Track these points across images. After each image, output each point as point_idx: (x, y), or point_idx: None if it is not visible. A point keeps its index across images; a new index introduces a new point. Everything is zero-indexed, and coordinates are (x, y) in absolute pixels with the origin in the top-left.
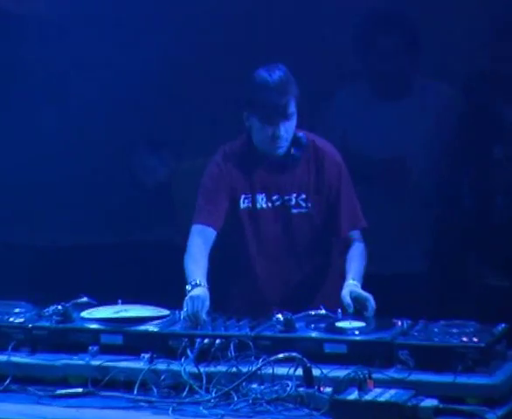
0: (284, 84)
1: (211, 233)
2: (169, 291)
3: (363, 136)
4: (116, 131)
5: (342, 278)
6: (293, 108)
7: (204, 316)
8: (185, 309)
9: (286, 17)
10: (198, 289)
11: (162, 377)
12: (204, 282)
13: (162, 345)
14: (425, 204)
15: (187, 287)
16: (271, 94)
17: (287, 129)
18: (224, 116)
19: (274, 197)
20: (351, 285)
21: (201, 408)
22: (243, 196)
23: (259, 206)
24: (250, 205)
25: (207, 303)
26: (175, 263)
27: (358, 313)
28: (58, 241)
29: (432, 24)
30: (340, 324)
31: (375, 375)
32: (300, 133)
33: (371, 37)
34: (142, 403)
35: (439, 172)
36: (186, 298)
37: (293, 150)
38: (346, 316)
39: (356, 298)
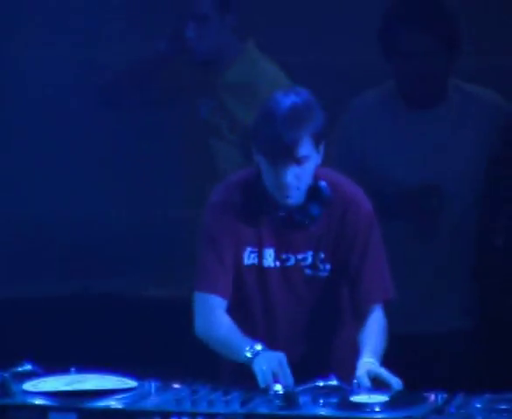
0: (297, 116)
1: (222, 303)
2: (137, 356)
3: (388, 157)
4: None
5: (355, 350)
6: (307, 150)
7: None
8: (265, 367)
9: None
10: (265, 351)
11: None
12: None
13: None
14: (467, 245)
15: (247, 354)
16: (276, 128)
17: (299, 176)
18: None
19: (284, 256)
20: (368, 364)
21: None
22: (248, 250)
23: (266, 264)
24: (256, 262)
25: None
26: (142, 319)
27: None
28: None
29: (474, 18)
30: (356, 398)
31: None
32: (322, 183)
33: (397, 31)
34: None
35: (483, 204)
36: (259, 361)
37: (310, 205)
38: (363, 388)
39: (375, 380)
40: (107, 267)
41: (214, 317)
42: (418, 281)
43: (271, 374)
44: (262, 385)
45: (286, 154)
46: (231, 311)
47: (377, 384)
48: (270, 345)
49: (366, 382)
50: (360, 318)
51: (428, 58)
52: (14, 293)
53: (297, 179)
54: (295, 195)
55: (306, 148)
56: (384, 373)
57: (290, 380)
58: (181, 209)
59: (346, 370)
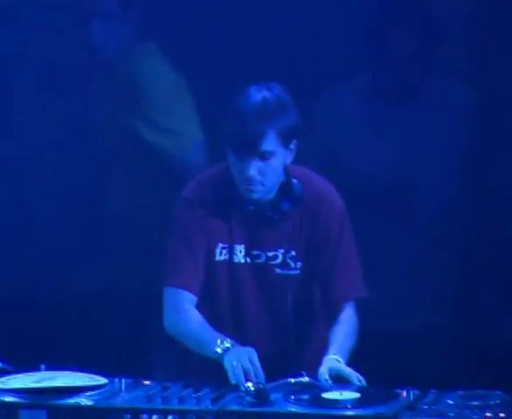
0: (264, 111)
1: (191, 299)
2: (107, 352)
3: (360, 152)
4: None
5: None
6: (271, 146)
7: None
8: (235, 363)
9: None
10: (236, 346)
11: None
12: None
13: None
14: (440, 241)
15: (217, 350)
16: (242, 121)
17: (263, 171)
18: None
19: (255, 252)
20: (331, 361)
21: None
22: (220, 246)
23: (236, 260)
24: (227, 258)
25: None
26: (115, 315)
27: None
28: None
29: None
30: (328, 395)
31: None
32: (293, 180)
33: (384, 34)
34: None
35: (458, 199)
36: (230, 358)
37: (280, 202)
38: (336, 385)
39: (337, 377)
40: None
41: (184, 312)
42: (393, 277)
43: (241, 370)
44: (233, 381)
45: (249, 148)
46: (200, 307)
47: (340, 381)
48: (238, 341)
49: (327, 379)
50: (331, 315)
51: (412, 60)
52: None
53: (261, 174)
54: (259, 190)
55: (271, 144)
56: (346, 370)
57: (261, 376)
58: None
59: (318, 367)
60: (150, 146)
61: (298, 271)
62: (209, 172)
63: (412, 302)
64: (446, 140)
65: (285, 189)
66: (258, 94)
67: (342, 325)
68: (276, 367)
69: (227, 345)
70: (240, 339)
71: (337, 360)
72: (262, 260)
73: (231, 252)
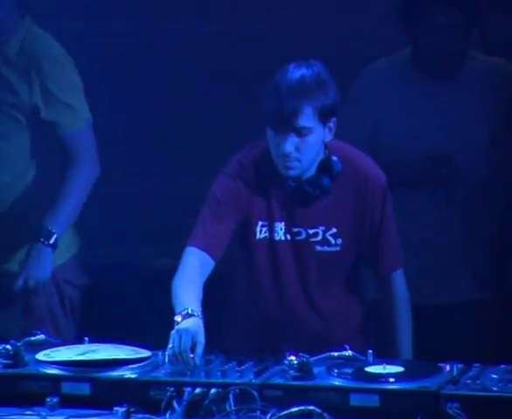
0: (301, 87)
1: (209, 263)
2: (151, 326)
3: (400, 126)
4: None
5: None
6: (308, 122)
7: (197, 357)
8: (171, 346)
9: None
10: (190, 320)
11: None
12: (198, 311)
13: (141, 396)
14: (482, 216)
15: (176, 318)
16: (279, 97)
17: (300, 148)
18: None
19: (295, 229)
20: None
21: None
22: (260, 224)
23: (277, 237)
24: (267, 235)
25: (201, 337)
26: (159, 291)
27: None
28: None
29: None
30: (371, 369)
31: None
32: (334, 157)
33: (426, 4)
34: None
35: (497, 174)
36: (173, 331)
37: (320, 178)
38: (379, 359)
39: None
40: (119, 236)
41: (182, 263)
42: (434, 252)
43: (179, 349)
44: (168, 353)
45: (285, 124)
46: (242, 287)
47: None
48: (279, 322)
49: None
50: (381, 289)
51: (454, 32)
52: None
53: (297, 150)
54: (296, 167)
55: (307, 120)
56: None
57: (194, 363)
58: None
59: (358, 341)
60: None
61: (338, 248)
62: (250, 150)
63: (455, 277)
64: (485, 115)
65: (324, 166)
66: (297, 71)
67: (400, 315)
68: (318, 341)
69: (179, 319)
70: (281, 317)
71: None
72: (303, 237)
73: (271, 230)
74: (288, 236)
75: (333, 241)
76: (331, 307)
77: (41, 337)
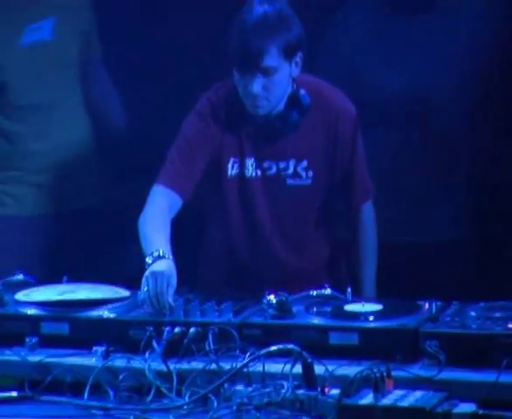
0: (265, 26)
1: (177, 202)
2: (129, 265)
3: (373, 64)
4: None
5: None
6: (274, 61)
7: (170, 298)
8: (145, 289)
9: None
10: (162, 262)
11: (121, 377)
12: (168, 253)
13: (120, 335)
14: (456, 158)
15: (147, 260)
16: (243, 38)
17: (267, 87)
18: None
19: (266, 164)
20: None
21: (171, 416)
22: (231, 160)
23: (247, 174)
24: (238, 172)
25: (174, 281)
26: (135, 230)
27: None
28: None
29: None
30: (350, 307)
31: (395, 373)
32: (302, 91)
33: None
34: (95, 411)
35: (474, 112)
36: (146, 273)
37: (289, 113)
38: (358, 297)
39: None
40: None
41: (148, 203)
42: (409, 192)
43: (155, 291)
44: (140, 297)
45: (251, 64)
46: (212, 222)
47: None
48: (253, 260)
49: None
50: (351, 219)
51: None
52: None
53: (265, 89)
54: (265, 106)
55: (273, 59)
56: None
57: (169, 304)
58: None
59: (335, 275)
60: None
61: (310, 181)
62: (219, 88)
63: (430, 216)
64: (461, 53)
65: (293, 101)
66: (259, 9)
67: (366, 247)
68: (294, 279)
69: (150, 261)
70: (255, 255)
71: None
72: (273, 171)
73: (242, 166)
74: (259, 172)
75: (304, 174)
76: (303, 242)
77: (20, 277)
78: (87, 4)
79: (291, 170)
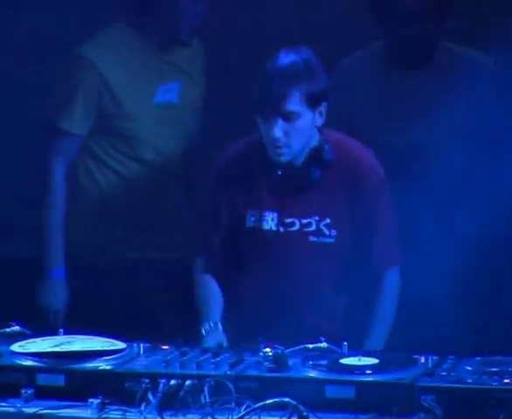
0: (289, 72)
1: (209, 265)
2: (126, 317)
3: (375, 119)
4: None
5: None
6: (296, 106)
7: None
8: None
9: None
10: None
11: None
12: (220, 326)
13: (116, 387)
14: (458, 207)
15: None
16: (267, 82)
17: (288, 133)
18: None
19: (288, 220)
20: None
21: None
22: (249, 212)
23: (267, 227)
24: (257, 225)
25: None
26: (134, 282)
27: None
28: None
29: None
30: (346, 360)
31: None
32: (326, 146)
33: None
34: None
35: (475, 168)
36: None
37: (310, 168)
38: (354, 351)
39: None
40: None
41: (197, 280)
42: (407, 243)
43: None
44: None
45: (273, 108)
46: (229, 272)
47: None
48: (272, 309)
49: None
50: (375, 284)
51: (422, 20)
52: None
53: (286, 136)
54: (286, 153)
55: (295, 104)
56: None
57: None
58: None
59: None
60: None
61: (333, 240)
62: (234, 145)
63: (433, 268)
64: (458, 107)
65: (315, 155)
66: (285, 57)
67: (382, 304)
68: (306, 334)
69: (205, 330)
70: (272, 305)
71: None
72: (296, 228)
73: (261, 219)
74: (281, 228)
75: (327, 232)
76: (320, 300)
77: (16, 328)
78: (204, 73)
79: (313, 227)
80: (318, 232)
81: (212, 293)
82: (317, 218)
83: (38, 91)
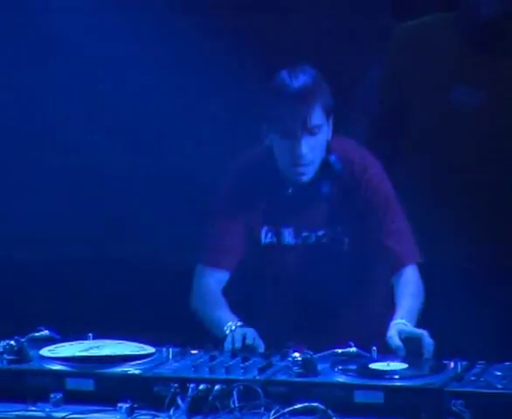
0: (308, 90)
1: (224, 276)
2: (155, 322)
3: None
4: None
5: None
6: (319, 119)
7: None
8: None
9: None
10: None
11: None
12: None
13: (145, 392)
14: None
15: (227, 331)
16: (290, 102)
17: (313, 147)
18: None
19: (305, 233)
20: (399, 324)
21: None
22: (265, 229)
23: (285, 242)
24: (274, 241)
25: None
26: (162, 287)
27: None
28: (11, 255)
29: None
30: (375, 365)
31: None
32: (333, 157)
33: None
34: None
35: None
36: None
37: (321, 183)
38: (383, 356)
39: (406, 339)
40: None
41: (202, 289)
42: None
43: (241, 336)
44: (228, 345)
45: (300, 125)
46: (247, 288)
47: (410, 343)
48: (295, 320)
49: (397, 342)
50: (394, 282)
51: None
52: (31, 257)
53: (311, 150)
54: (309, 171)
55: (318, 118)
56: (416, 331)
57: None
58: None
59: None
60: None
61: (346, 247)
62: (248, 156)
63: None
64: None
65: (325, 167)
66: (297, 77)
67: (406, 286)
68: (330, 341)
69: (233, 326)
70: (287, 325)
71: (404, 324)
72: (312, 240)
73: (278, 234)
74: (299, 241)
75: (340, 240)
76: (338, 308)
77: (45, 333)
78: None
79: (328, 237)
80: (333, 240)
81: (220, 296)
82: (330, 228)
83: None
